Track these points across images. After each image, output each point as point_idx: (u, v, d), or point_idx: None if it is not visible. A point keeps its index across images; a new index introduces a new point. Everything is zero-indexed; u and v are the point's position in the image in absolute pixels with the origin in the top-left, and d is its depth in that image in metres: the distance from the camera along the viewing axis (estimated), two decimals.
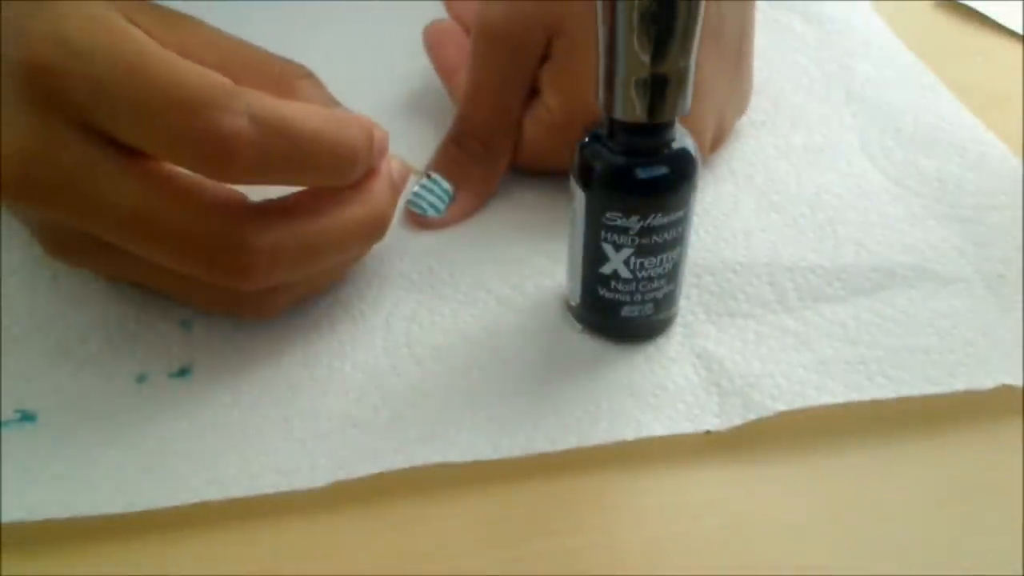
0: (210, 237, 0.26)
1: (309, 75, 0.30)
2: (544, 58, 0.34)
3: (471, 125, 0.35)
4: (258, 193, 0.28)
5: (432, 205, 0.34)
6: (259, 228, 0.26)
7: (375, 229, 0.30)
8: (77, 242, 0.28)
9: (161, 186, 0.25)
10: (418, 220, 0.35)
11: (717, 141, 0.37)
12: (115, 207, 0.25)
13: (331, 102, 0.30)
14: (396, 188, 0.31)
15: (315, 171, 0.27)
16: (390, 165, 0.31)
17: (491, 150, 0.35)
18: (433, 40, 0.39)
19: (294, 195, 0.28)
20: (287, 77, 0.29)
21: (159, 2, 0.28)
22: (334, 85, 0.41)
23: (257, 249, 0.26)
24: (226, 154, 0.24)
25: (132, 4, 0.26)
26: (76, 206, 0.25)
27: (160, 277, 0.28)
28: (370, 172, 0.29)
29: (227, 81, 0.25)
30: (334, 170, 0.28)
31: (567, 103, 0.33)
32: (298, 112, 0.26)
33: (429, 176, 0.35)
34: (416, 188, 0.35)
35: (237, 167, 0.25)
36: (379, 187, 0.30)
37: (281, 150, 0.25)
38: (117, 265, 0.29)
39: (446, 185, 0.35)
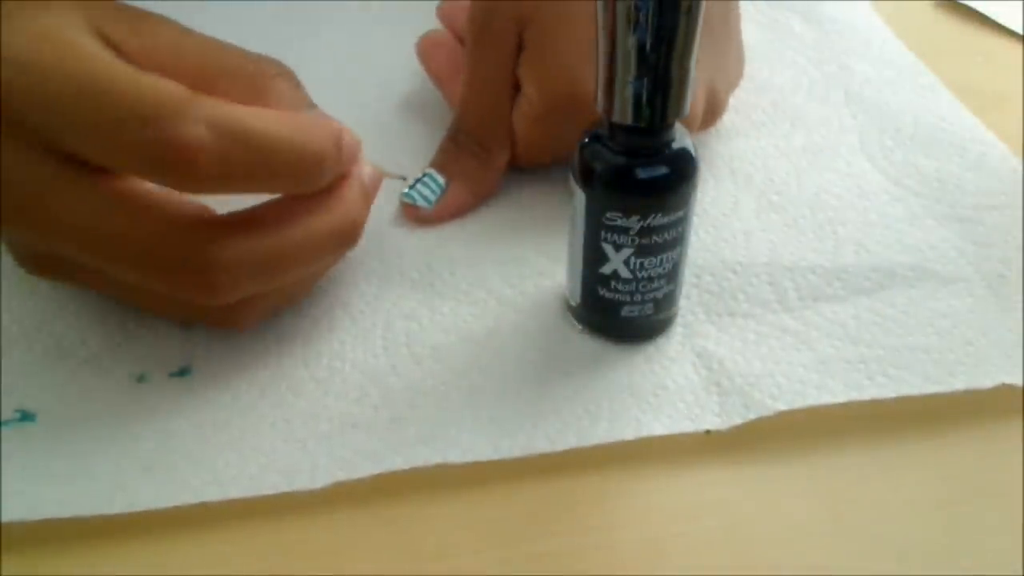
0: (172, 253, 0.25)
1: (283, 73, 0.29)
2: (520, 49, 0.34)
3: (465, 123, 0.36)
4: (228, 205, 0.27)
5: (424, 197, 0.34)
6: (222, 242, 0.26)
7: (345, 237, 0.29)
8: (48, 259, 0.28)
9: (122, 203, 0.25)
10: (412, 212, 0.35)
11: (712, 114, 0.37)
12: (76, 226, 0.25)
13: (305, 103, 0.29)
14: (368, 194, 0.30)
15: (280, 178, 0.27)
16: (362, 171, 0.30)
17: (486, 147, 0.35)
18: (426, 52, 0.39)
19: (260, 206, 0.27)
20: (261, 76, 0.28)
21: (149, 1, 0.28)
22: (332, 87, 0.41)
23: (221, 264, 0.25)
24: (185, 164, 0.24)
25: (98, 10, 0.26)
26: (38, 227, 0.25)
27: (131, 291, 0.28)
28: (340, 178, 0.29)
29: (184, 90, 0.24)
30: (300, 177, 0.27)
31: (545, 92, 0.33)
32: (260, 119, 0.25)
33: (425, 172, 0.35)
34: (411, 181, 0.35)
35: (197, 176, 0.24)
36: (349, 194, 0.29)
37: (242, 157, 0.25)
38: (90, 281, 0.29)
39: (440, 180, 0.35)
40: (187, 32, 0.28)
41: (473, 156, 0.35)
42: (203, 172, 0.24)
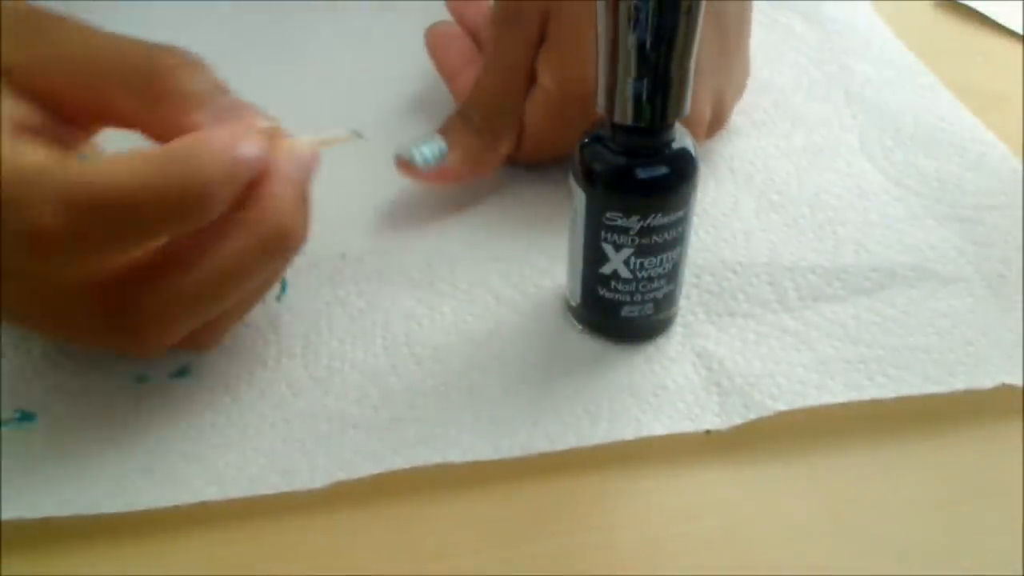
0: (93, 323, 0.25)
1: (184, 63, 0.26)
2: (542, 41, 0.34)
3: (477, 104, 0.36)
4: None
5: (423, 155, 0.34)
6: (138, 296, 0.24)
7: (277, 246, 0.26)
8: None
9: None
10: (406, 168, 0.34)
11: (716, 123, 0.37)
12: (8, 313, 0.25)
13: (214, 89, 0.26)
14: (298, 189, 0.27)
15: (162, 224, 0.24)
16: (287, 162, 0.26)
17: (492, 126, 0.35)
18: (435, 43, 0.39)
19: (172, 243, 0.25)
20: (158, 70, 0.26)
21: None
22: (335, 87, 0.41)
23: (143, 321, 0.24)
24: (42, 251, 0.22)
25: None
26: None
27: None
28: (256, 184, 0.26)
29: (26, 165, 0.23)
30: (185, 215, 0.24)
31: (562, 83, 0.33)
32: (117, 173, 0.23)
33: (430, 137, 0.35)
34: (413, 141, 0.34)
35: (66, 257, 0.23)
36: (271, 200, 0.26)
37: (104, 224, 0.23)
38: None
39: (443, 146, 0.34)
40: (78, 29, 0.26)
41: (479, 136, 0.35)
42: (63, 253, 0.23)
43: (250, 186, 0.25)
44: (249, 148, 0.25)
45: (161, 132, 0.26)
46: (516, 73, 0.35)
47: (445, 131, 0.35)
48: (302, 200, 0.27)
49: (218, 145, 0.24)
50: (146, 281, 0.25)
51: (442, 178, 0.35)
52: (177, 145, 0.24)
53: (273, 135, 0.27)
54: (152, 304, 0.25)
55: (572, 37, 0.33)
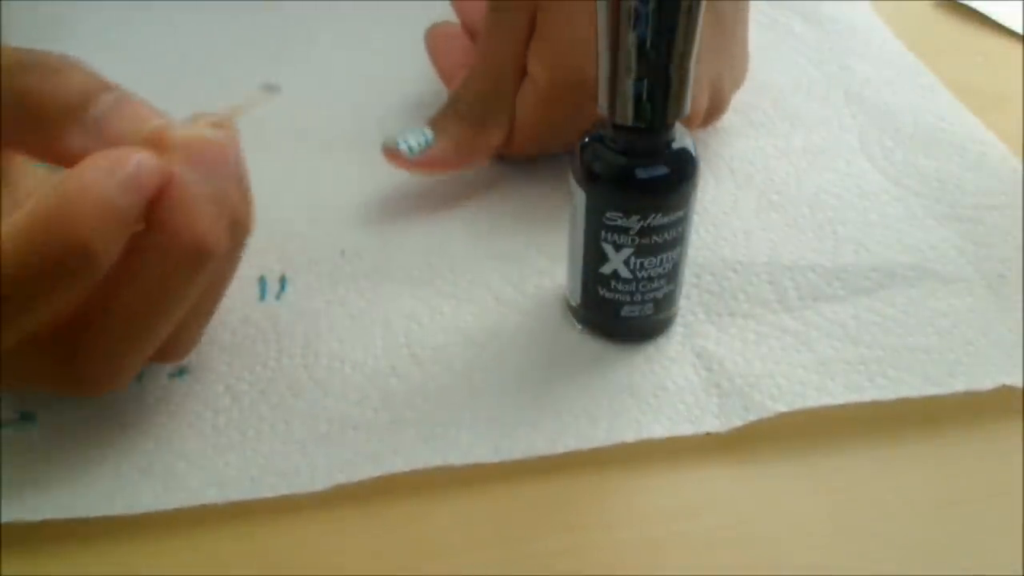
0: (45, 372, 0.24)
1: (63, 67, 0.24)
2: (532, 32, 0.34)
3: (467, 92, 0.35)
4: None
5: (408, 145, 0.34)
6: (76, 342, 0.24)
7: (200, 256, 0.24)
8: None
9: None
10: (393, 157, 0.34)
11: (714, 113, 0.37)
12: None
13: (95, 89, 0.24)
14: (210, 178, 0.24)
15: (52, 291, 0.22)
16: (188, 155, 0.24)
17: (481, 117, 0.35)
18: (435, 44, 0.39)
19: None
20: (22, 88, 0.23)
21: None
22: (335, 87, 0.41)
23: (87, 366, 0.24)
24: None
25: None
26: None
27: None
28: (160, 192, 0.23)
29: None
30: (72, 276, 0.22)
31: (552, 73, 0.33)
32: None
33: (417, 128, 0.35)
34: (401, 130, 0.34)
35: None
36: (181, 203, 0.23)
37: None
38: None
39: (429, 135, 0.34)
40: None
41: (469, 125, 0.35)
42: None
43: (151, 203, 0.23)
44: (129, 172, 0.22)
45: (53, 157, 0.24)
46: (507, 65, 0.35)
47: (435, 121, 0.35)
48: (231, 191, 0.25)
49: (91, 188, 0.21)
50: (80, 326, 0.24)
51: (430, 166, 0.34)
52: (45, 202, 0.21)
53: (162, 136, 0.24)
54: (90, 348, 0.24)
55: (561, 29, 0.33)
